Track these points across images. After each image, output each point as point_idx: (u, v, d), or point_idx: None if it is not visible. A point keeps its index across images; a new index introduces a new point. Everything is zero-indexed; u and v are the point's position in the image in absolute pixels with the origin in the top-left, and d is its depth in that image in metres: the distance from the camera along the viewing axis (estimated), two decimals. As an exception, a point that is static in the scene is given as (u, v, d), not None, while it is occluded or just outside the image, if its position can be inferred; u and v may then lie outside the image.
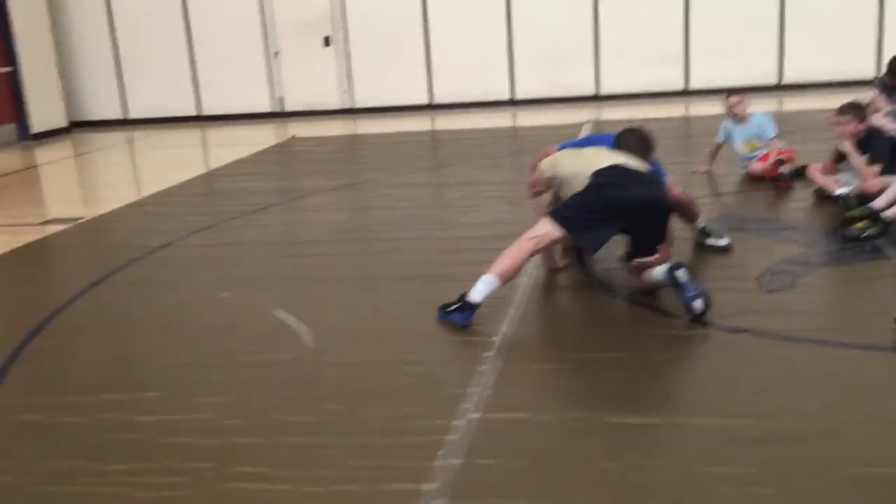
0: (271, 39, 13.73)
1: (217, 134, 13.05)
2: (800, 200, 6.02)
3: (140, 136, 13.30)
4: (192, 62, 13.98)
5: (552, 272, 4.77)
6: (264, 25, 13.67)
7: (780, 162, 6.45)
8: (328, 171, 9.04)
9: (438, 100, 13.52)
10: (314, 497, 2.71)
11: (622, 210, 4.02)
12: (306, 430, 3.15)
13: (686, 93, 12.79)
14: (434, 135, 11.63)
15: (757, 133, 6.75)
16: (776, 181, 6.34)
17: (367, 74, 13.61)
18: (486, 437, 3.00)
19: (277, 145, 10.98)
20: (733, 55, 12.41)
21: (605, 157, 4.24)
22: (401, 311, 4.35)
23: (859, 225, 4.95)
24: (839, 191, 5.70)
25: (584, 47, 12.99)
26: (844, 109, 5.70)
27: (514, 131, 11.62)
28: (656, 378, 3.46)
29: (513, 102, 13.32)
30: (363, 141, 11.77)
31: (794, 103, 11.44)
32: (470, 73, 13.27)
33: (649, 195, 4.06)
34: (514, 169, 8.13)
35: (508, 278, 4.06)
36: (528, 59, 13.16)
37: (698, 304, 3.80)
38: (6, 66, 12.75)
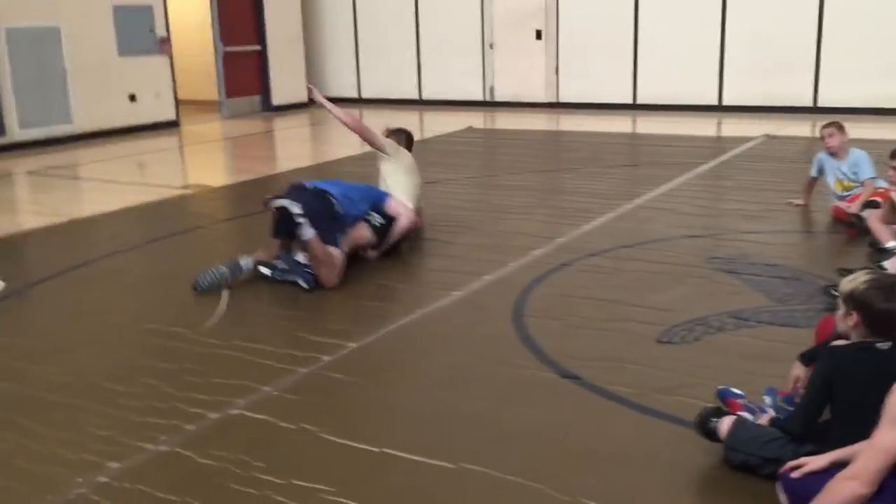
0: (488, 31, 14.13)
1: (429, 118, 13.76)
2: (857, 249, 5.23)
3: (366, 114, 14.47)
4: (418, 49, 14.83)
5: None
6: (482, 17, 14.11)
7: (872, 203, 5.59)
8: (456, 164, 9.29)
9: (642, 100, 13.07)
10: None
11: None
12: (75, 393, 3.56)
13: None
14: (614, 137, 11.31)
15: (850, 171, 5.89)
16: (847, 225, 5.54)
17: (573, 70, 13.52)
18: (220, 435, 3.19)
19: (448, 134, 11.39)
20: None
21: None
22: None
23: (846, 285, 4.25)
24: (889, 244, 4.89)
25: (803, 55, 11.83)
26: None
27: (701, 140, 10.95)
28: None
29: (720, 108, 12.52)
30: (529, 136, 11.69)
31: None
32: (677, 74, 12.69)
33: None
34: (616, 181, 7.85)
35: None
36: (740, 63, 12.27)
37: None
38: (257, 44, 14.50)
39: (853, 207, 5.69)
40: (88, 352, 4.08)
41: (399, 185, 5.80)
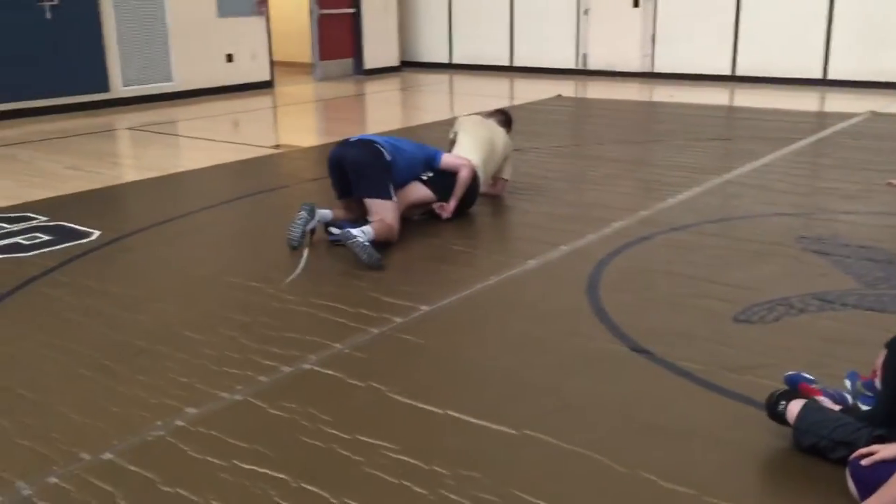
0: (584, -3, 13.87)
1: (519, 85, 13.64)
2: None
3: (457, 80, 14.47)
4: (511, 15, 14.67)
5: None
6: (579, -18, 13.86)
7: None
8: (543, 133, 9.18)
9: (742, 72, 12.63)
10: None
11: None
12: (173, 342, 3.69)
13: None
14: (708, 109, 10.98)
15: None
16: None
17: (670, 39, 13.16)
18: (291, 388, 3.28)
19: (537, 102, 11.27)
20: None
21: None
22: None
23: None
24: None
25: (918, 26, 11.21)
26: None
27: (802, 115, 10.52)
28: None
29: (825, 82, 12.00)
30: (621, 106, 11.40)
31: None
32: (780, 45, 12.21)
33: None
34: (707, 155, 7.63)
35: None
36: (848, 35, 11.71)
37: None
38: (351, 7, 14.59)
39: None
40: (174, 302, 4.25)
41: (463, 147, 5.72)
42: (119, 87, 11.19)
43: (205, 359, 3.53)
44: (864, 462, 2.36)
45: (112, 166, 7.93)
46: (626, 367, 3.43)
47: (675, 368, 3.37)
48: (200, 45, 12.00)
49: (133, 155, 8.72)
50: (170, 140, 9.44)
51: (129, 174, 7.52)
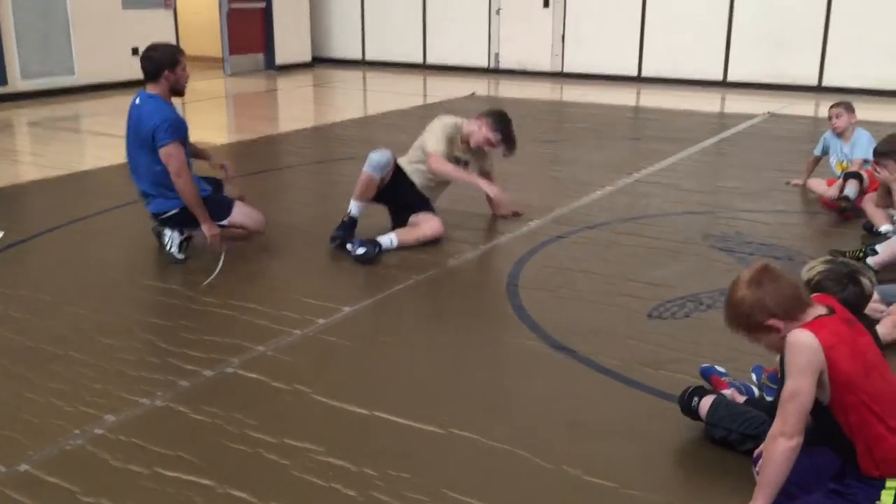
0: (496, -4, 14.03)
1: (432, 83, 13.69)
2: (852, 231, 5.27)
3: (370, 76, 14.42)
4: (424, 13, 14.71)
5: None
6: (491, -18, 14.00)
7: (854, 175, 5.57)
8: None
9: (648, 73, 13.02)
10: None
11: None
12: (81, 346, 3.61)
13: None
14: (617, 109, 11.27)
15: (851, 153, 5.90)
16: (838, 210, 5.57)
17: (580, 40, 13.44)
18: (214, 392, 3.24)
19: (452, 100, 11.35)
20: None
21: None
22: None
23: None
24: (882, 227, 4.94)
25: (811, 34, 11.78)
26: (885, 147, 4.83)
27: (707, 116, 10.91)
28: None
29: (725, 84, 12.48)
30: (532, 106, 11.64)
31: None
32: (684, 48, 12.64)
33: None
34: (617, 154, 7.85)
35: None
36: (747, 40, 12.22)
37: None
38: (262, 1, 14.36)
39: (830, 191, 5.69)
40: (87, 305, 4.12)
41: None
42: (17, 81, 10.74)
43: (122, 364, 3.45)
44: (757, 468, 2.48)
45: (12, 164, 7.62)
46: (546, 364, 3.52)
47: (593, 365, 3.47)
48: (104, 38, 11.62)
49: (34, 152, 8.39)
50: (73, 136, 9.12)
51: (31, 172, 7.23)
